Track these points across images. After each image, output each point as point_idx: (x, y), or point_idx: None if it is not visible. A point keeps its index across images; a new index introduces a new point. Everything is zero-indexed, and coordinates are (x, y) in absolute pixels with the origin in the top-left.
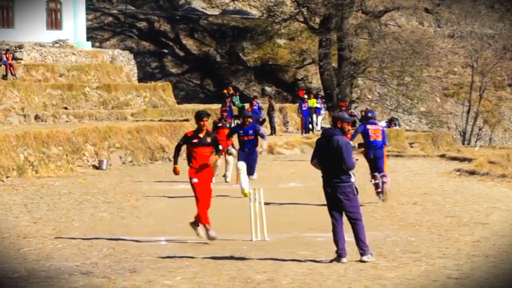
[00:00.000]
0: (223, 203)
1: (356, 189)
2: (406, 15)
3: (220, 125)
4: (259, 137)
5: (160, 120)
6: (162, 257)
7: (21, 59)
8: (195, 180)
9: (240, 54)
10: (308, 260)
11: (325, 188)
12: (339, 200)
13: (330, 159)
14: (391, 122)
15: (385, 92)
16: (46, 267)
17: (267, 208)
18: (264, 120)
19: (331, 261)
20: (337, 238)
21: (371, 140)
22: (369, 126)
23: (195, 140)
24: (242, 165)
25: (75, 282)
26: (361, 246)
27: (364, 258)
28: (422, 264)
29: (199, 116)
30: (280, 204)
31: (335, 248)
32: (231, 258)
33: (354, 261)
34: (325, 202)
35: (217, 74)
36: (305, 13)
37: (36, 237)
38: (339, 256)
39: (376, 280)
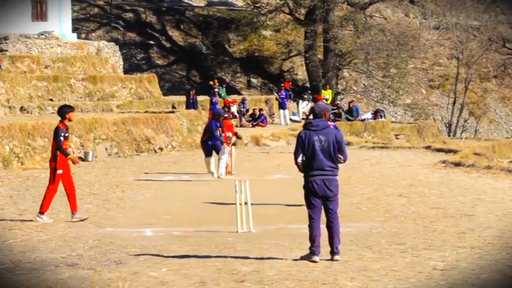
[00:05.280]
0: (209, 195)
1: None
2: (392, 7)
3: (226, 115)
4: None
5: (146, 111)
6: (147, 249)
7: (6, 51)
8: (60, 171)
9: (226, 45)
10: (294, 252)
11: (311, 182)
12: (328, 194)
13: (324, 152)
14: (376, 114)
15: (371, 84)
16: (32, 259)
17: (252, 200)
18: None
19: (301, 258)
20: (315, 233)
21: None
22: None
23: (68, 134)
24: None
25: (61, 274)
26: (337, 245)
27: (338, 257)
28: (408, 255)
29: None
30: (266, 195)
31: (309, 245)
32: (217, 249)
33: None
34: None
35: (203, 66)
36: (290, 4)
37: (21, 229)
38: (312, 253)
39: (362, 272)
